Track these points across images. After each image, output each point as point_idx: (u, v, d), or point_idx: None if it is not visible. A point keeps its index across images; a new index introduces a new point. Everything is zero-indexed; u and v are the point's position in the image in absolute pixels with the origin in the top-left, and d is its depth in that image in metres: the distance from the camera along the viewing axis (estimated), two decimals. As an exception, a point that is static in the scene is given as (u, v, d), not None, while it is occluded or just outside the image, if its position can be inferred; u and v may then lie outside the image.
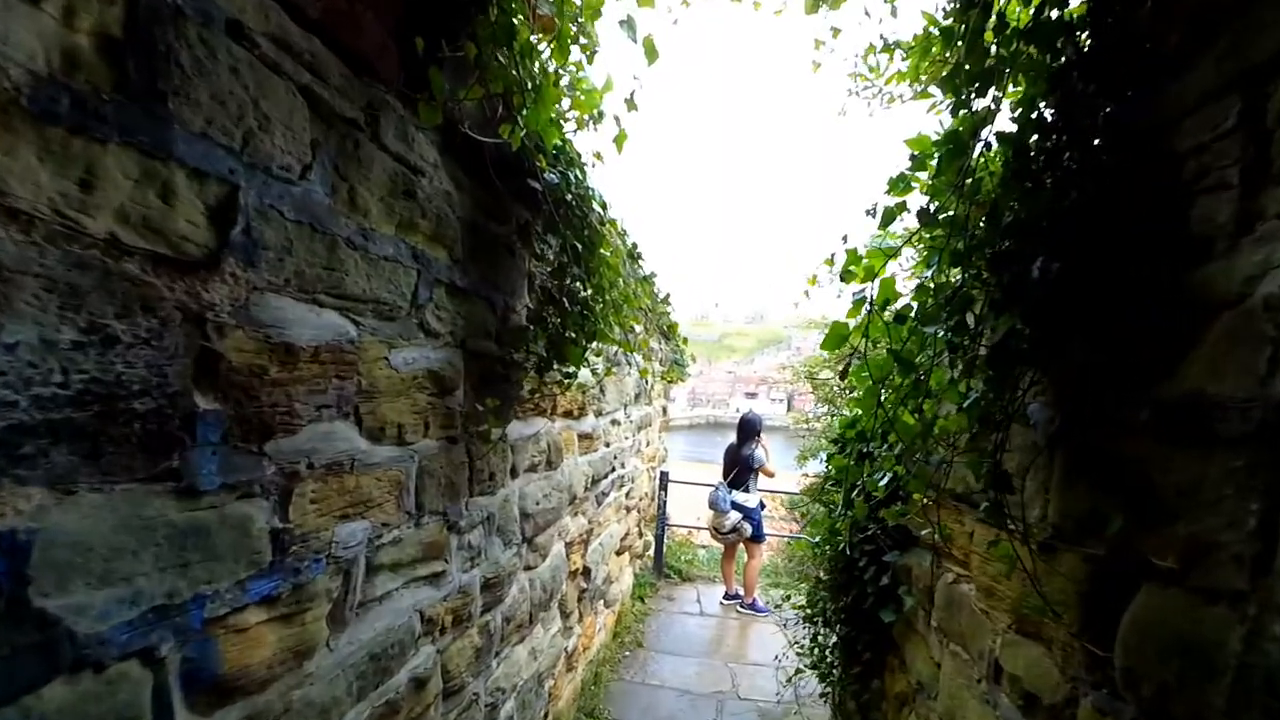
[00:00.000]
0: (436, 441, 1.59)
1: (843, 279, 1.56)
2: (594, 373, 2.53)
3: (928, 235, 1.54)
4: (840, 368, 2.36)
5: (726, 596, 5.82)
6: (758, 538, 5.49)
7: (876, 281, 1.46)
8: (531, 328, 1.89)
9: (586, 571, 3.49)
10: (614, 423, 3.84)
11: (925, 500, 1.85)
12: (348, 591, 1.28)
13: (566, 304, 1.88)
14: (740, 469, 5.43)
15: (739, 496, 5.39)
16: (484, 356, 1.82)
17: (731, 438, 5.80)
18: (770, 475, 5.55)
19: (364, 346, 1.30)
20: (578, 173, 1.88)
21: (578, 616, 3.45)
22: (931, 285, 1.46)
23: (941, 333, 1.43)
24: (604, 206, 2.01)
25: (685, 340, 2.36)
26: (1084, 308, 1.14)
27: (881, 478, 2.09)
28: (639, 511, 5.44)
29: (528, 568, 2.41)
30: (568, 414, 2.85)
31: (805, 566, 2.99)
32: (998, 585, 1.60)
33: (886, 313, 1.50)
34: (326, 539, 1.20)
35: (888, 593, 2.34)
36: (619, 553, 4.75)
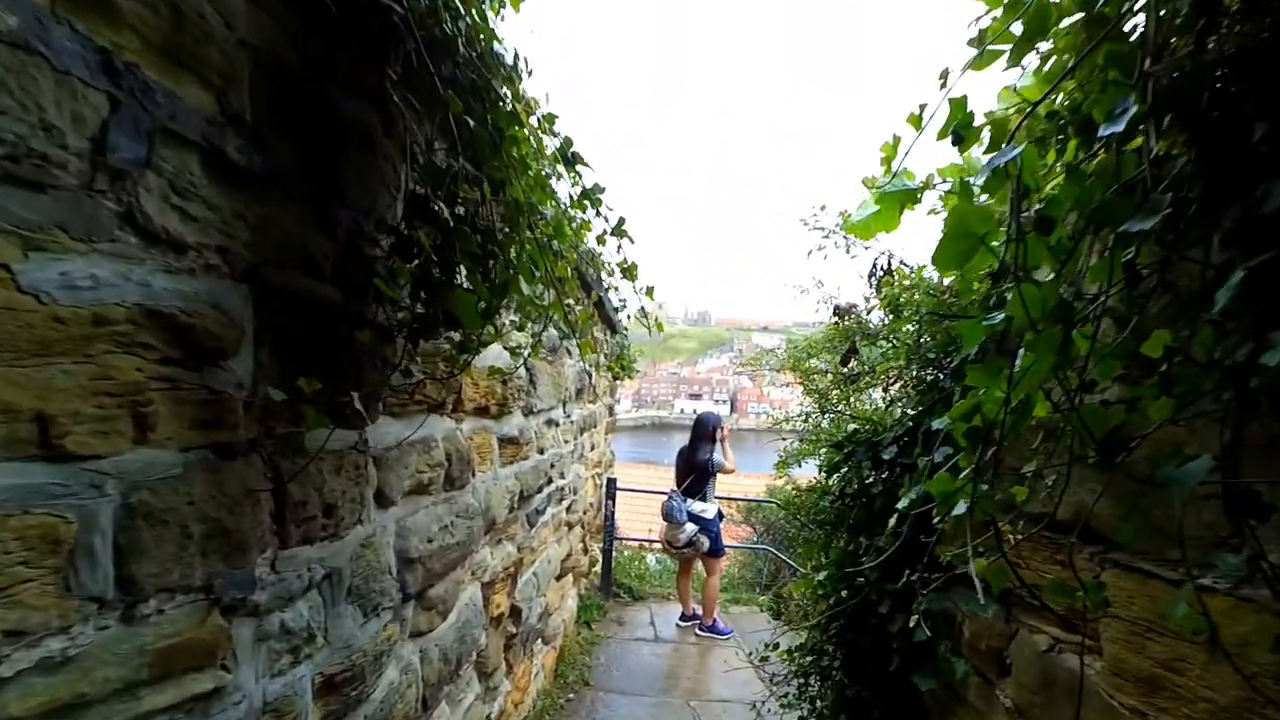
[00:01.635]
0: (177, 453, 0.82)
1: (954, 141, 0.91)
2: (513, 351, 1.83)
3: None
4: (844, 350, 1.71)
5: (684, 618, 5.15)
6: (716, 552, 4.84)
7: (1014, 150, 0.80)
8: (395, 261, 1.14)
9: (516, 613, 2.73)
10: (550, 423, 3.10)
11: (1015, 535, 1.22)
12: None
13: (454, 225, 1.14)
14: (696, 475, 4.77)
15: (695, 506, 4.72)
16: (302, 303, 1.06)
17: (678, 438, 5.15)
18: (731, 471, 4.92)
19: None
20: (474, 12, 1.15)
21: (505, 670, 2.69)
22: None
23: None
24: (518, 74, 1.28)
25: (647, 314, 1.76)
26: None
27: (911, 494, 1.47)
28: (583, 526, 4.70)
29: (417, 634, 1.64)
30: (482, 411, 2.10)
31: (795, 602, 2.33)
32: (1175, 676, 0.96)
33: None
34: None
35: (923, 650, 1.70)
36: (560, 576, 4.00)
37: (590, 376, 4.50)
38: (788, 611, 2.35)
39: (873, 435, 1.90)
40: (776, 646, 2.24)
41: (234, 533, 0.92)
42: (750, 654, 4.60)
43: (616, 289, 2.63)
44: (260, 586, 1.00)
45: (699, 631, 4.97)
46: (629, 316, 4.88)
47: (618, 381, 6.89)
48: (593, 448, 4.87)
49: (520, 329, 1.95)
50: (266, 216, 0.96)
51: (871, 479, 1.85)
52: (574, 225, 1.50)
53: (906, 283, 1.78)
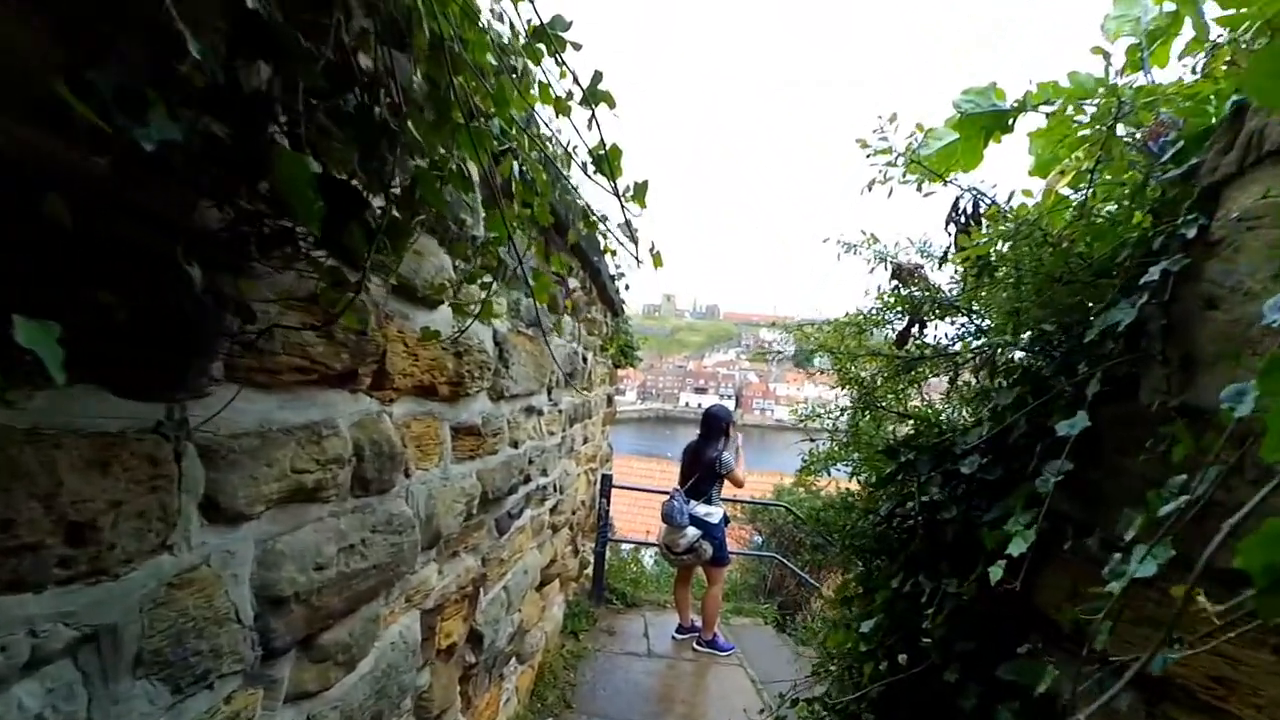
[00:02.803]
0: None
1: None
2: (459, 308, 1.34)
3: None
4: (903, 326, 1.26)
5: (681, 630, 4.69)
6: (720, 560, 4.35)
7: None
8: (208, 120, 0.65)
9: (477, 638, 2.26)
10: (529, 411, 2.62)
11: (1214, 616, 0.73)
12: None
13: (300, 54, 0.65)
14: (702, 474, 4.28)
15: (699, 509, 4.24)
16: (28, 175, 0.57)
17: (682, 431, 4.66)
18: (739, 485, 4.42)
19: None
20: None
21: (462, 706, 2.22)
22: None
23: None
24: None
25: (633, 230, 1.33)
26: None
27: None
28: (572, 528, 4.23)
29: (300, 696, 1.17)
30: (425, 391, 1.61)
31: (824, 641, 1.84)
32: None
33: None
34: None
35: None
36: (542, 585, 3.53)
37: (586, 361, 4.01)
38: (805, 632, 1.86)
39: (940, 441, 1.41)
40: (796, 703, 1.75)
41: None
42: (755, 681, 4.13)
43: (608, 239, 2.12)
44: None
45: (697, 646, 4.51)
46: (625, 284, 4.33)
47: (619, 369, 6.41)
48: (586, 440, 4.39)
49: (472, 280, 1.45)
50: None
51: (940, 499, 1.35)
52: (519, 80, 1.00)
53: (1008, 227, 1.27)
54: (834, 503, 2.07)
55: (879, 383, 1.82)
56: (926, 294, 1.51)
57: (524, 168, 1.25)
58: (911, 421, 1.70)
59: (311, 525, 1.15)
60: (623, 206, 1.15)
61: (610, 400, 5.87)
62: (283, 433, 1.04)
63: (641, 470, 17.43)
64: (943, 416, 1.73)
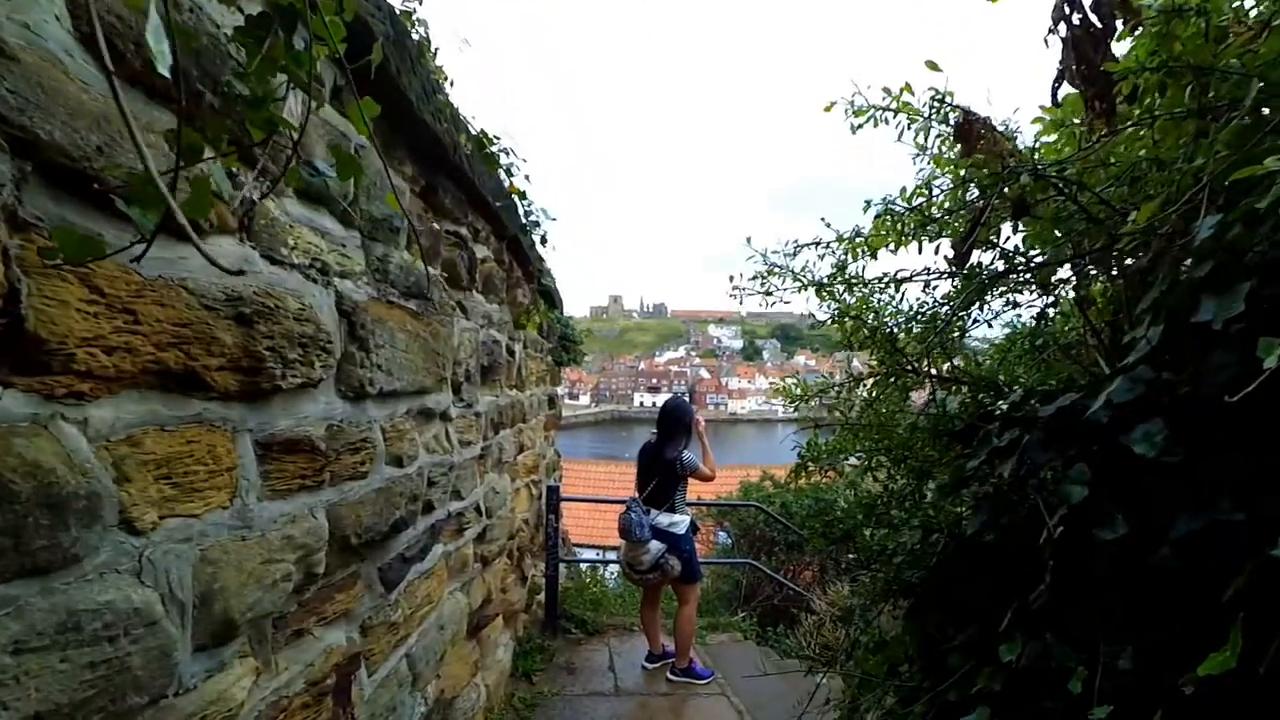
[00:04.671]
0: None
1: None
2: (274, 248, 0.70)
3: None
4: (971, 221, 0.57)
5: (651, 658, 4.05)
6: (691, 576, 3.74)
7: None
8: None
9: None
10: (422, 416, 1.93)
11: None
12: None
13: None
14: (662, 478, 3.66)
15: (662, 519, 3.61)
16: None
17: (639, 431, 4.03)
18: (709, 478, 3.82)
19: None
20: None
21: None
22: None
23: None
24: None
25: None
26: None
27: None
28: (512, 554, 3.53)
29: None
30: (173, 380, 0.93)
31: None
32: None
33: None
34: None
35: None
36: (477, 630, 2.85)
37: (514, 354, 3.33)
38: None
39: (1066, 403, 0.82)
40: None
41: None
42: (743, 713, 3.53)
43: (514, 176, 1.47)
44: None
45: (671, 676, 3.88)
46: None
47: (561, 366, 5.73)
48: (522, 449, 3.70)
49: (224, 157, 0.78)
50: None
51: (1082, 502, 0.76)
52: None
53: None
54: (847, 504, 1.49)
55: (913, 328, 1.24)
56: (1019, 158, 0.92)
57: None
58: (963, 388, 1.13)
59: None
60: None
61: (553, 401, 5.19)
62: None
63: (601, 474, 16.84)
64: (1009, 377, 1.16)
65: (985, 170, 0.94)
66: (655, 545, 3.56)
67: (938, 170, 1.17)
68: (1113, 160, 0.90)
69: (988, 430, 0.88)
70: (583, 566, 6.20)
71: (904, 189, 1.19)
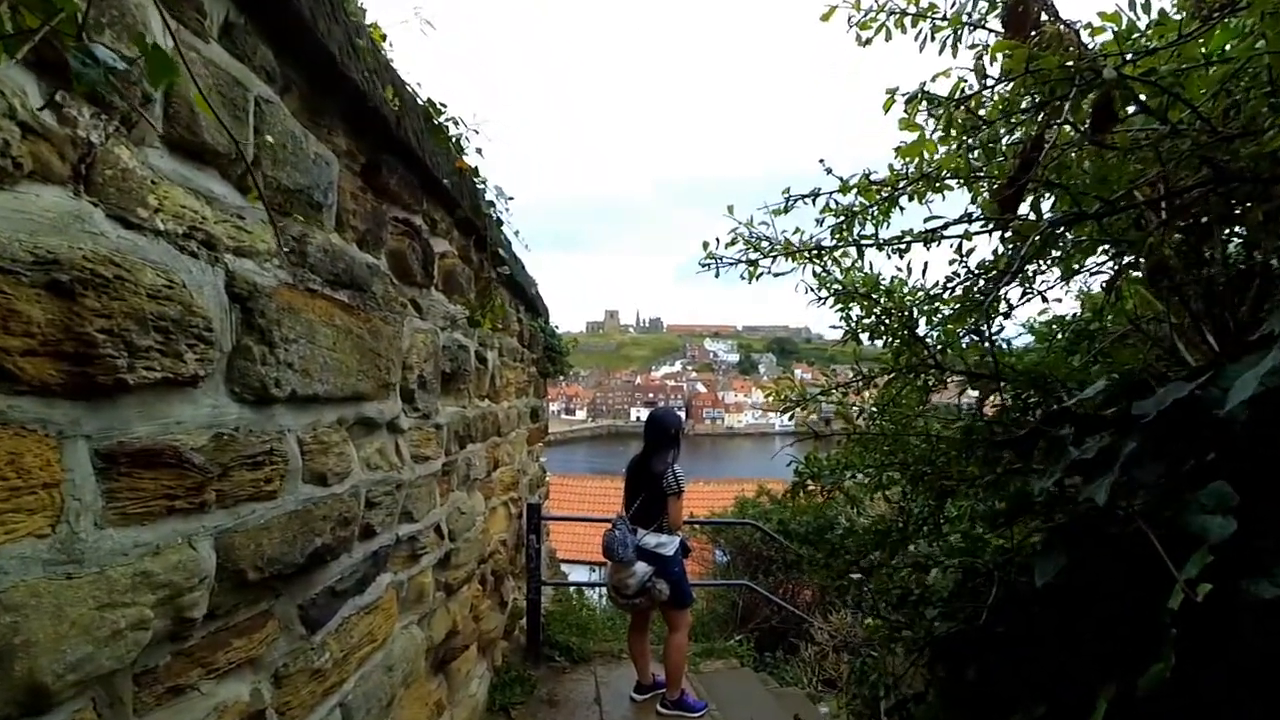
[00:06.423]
0: None
1: None
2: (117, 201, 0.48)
3: None
4: (1024, 151, 0.43)
5: (641, 689, 3.75)
6: (682, 601, 3.44)
7: None
8: None
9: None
10: (360, 426, 1.67)
11: None
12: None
13: None
14: (650, 495, 3.38)
15: (649, 539, 3.33)
16: None
17: (635, 446, 3.74)
18: (675, 526, 3.45)
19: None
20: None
21: None
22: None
23: None
24: None
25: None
26: None
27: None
28: (485, 580, 3.25)
29: None
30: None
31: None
32: None
33: None
34: None
35: None
36: (445, 663, 2.57)
37: (485, 361, 3.07)
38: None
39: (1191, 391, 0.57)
40: None
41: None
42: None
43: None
44: None
45: (662, 709, 3.58)
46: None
47: (547, 379, 5.46)
48: (498, 465, 3.43)
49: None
50: None
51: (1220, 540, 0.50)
52: None
53: None
54: (854, 527, 1.23)
55: (939, 310, 0.99)
56: (1091, 57, 0.66)
57: None
58: (1005, 386, 0.89)
59: None
60: None
61: (536, 414, 4.92)
62: None
63: (596, 489, 16.54)
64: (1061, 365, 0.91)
65: (1054, 65, 0.67)
66: (641, 567, 3.28)
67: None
68: (1216, 57, 0.65)
69: (1057, 437, 0.63)
70: (570, 590, 5.89)
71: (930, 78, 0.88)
